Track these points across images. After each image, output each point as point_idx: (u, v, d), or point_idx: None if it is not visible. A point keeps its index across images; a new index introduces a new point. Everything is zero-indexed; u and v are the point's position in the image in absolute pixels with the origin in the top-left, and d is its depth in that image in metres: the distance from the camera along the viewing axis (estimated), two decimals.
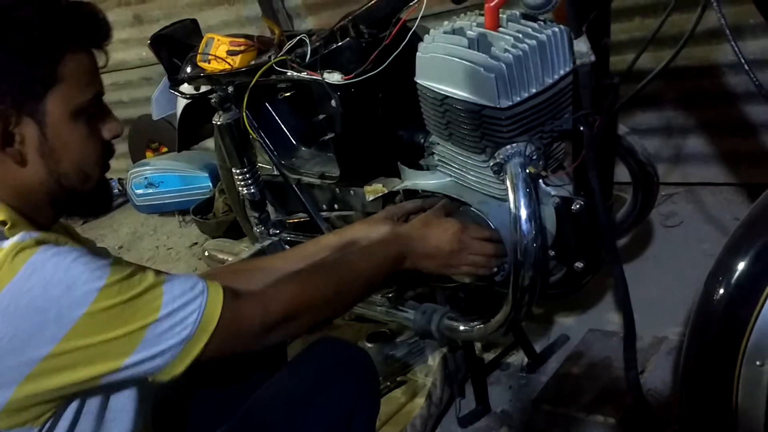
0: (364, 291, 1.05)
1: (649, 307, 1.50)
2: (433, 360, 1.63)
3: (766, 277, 0.86)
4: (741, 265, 0.89)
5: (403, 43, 1.22)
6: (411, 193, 1.38)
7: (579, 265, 1.24)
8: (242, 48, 1.55)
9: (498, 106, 1.07)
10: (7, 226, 0.79)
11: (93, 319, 0.74)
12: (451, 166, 1.28)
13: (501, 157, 1.12)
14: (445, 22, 1.18)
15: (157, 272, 0.84)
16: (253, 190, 1.71)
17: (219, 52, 1.57)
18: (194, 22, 1.83)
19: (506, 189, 1.12)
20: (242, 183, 1.70)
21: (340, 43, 1.33)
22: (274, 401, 1.01)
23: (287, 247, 1.85)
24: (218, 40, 1.59)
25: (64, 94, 0.82)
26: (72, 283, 0.74)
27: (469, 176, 1.25)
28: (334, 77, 1.32)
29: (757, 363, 0.89)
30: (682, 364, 1.00)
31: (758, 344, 0.88)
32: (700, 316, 0.94)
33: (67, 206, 0.90)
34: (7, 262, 0.73)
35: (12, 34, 0.78)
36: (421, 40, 1.18)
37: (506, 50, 1.06)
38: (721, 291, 0.90)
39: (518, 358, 1.69)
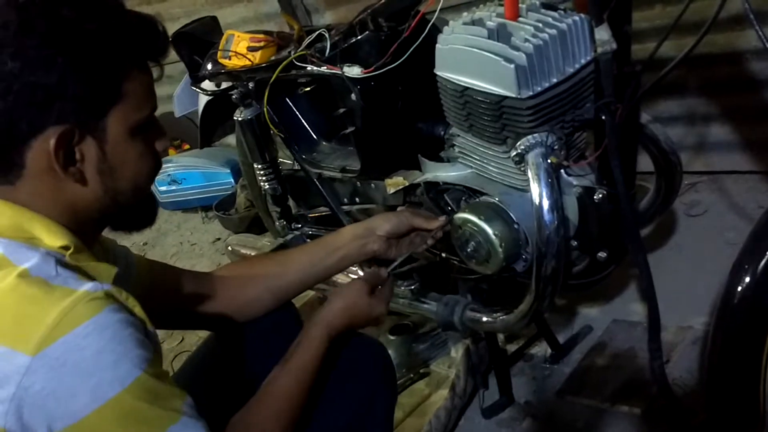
0: (309, 387, 0.98)
1: (673, 297, 1.49)
2: (456, 352, 1.64)
3: None
4: (765, 252, 0.89)
5: (423, 36, 1.22)
6: (432, 186, 1.39)
7: (602, 255, 1.23)
8: (262, 44, 1.57)
9: (519, 96, 1.07)
10: (69, 251, 0.79)
11: (119, 406, 0.72)
12: (471, 157, 1.28)
13: (522, 147, 1.12)
14: (465, 14, 1.18)
15: (182, 393, 0.81)
16: (274, 185, 1.72)
17: (239, 49, 1.58)
18: (214, 19, 1.85)
19: (528, 179, 1.12)
20: (264, 178, 1.71)
21: (359, 37, 1.34)
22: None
23: (308, 240, 1.87)
24: (238, 36, 1.61)
25: (125, 112, 0.82)
26: (119, 358, 0.73)
27: (490, 167, 1.25)
28: (353, 71, 1.33)
29: None
30: (707, 354, 1.00)
31: None
32: (725, 305, 0.94)
33: (115, 221, 0.90)
34: (74, 309, 0.72)
35: (77, 51, 0.77)
36: (440, 32, 1.18)
37: (526, 40, 1.06)
38: (747, 279, 0.90)
39: (541, 349, 1.69)
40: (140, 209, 0.92)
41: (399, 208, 1.31)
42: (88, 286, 0.75)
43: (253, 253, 1.84)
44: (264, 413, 0.92)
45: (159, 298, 1.02)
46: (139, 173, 0.87)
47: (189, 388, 0.81)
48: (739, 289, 0.91)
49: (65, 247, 0.79)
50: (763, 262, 0.89)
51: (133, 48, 0.82)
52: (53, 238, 0.79)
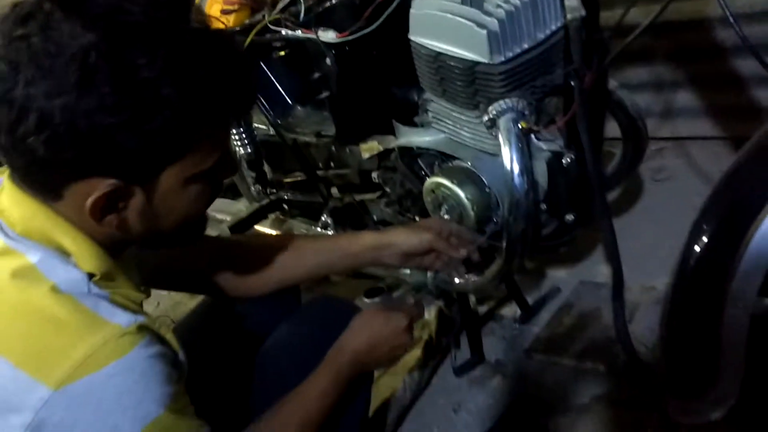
0: (321, 421, 0.95)
1: (638, 259, 1.54)
2: (430, 314, 1.68)
3: (746, 223, 0.89)
4: (723, 212, 0.93)
5: (397, 1, 1.23)
6: (405, 150, 1.41)
7: (570, 217, 1.27)
8: (236, 7, 1.56)
9: (491, 62, 1.09)
10: (96, 278, 0.74)
11: None
12: (444, 122, 1.30)
13: (494, 112, 1.14)
14: None
15: (200, 424, 0.79)
16: (249, 150, 1.72)
17: (213, 12, 1.57)
18: None
19: (499, 144, 1.15)
20: (239, 143, 1.71)
21: (334, 1, 1.34)
22: (280, 358, 1.05)
23: (285, 207, 1.89)
24: None
25: (185, 166, 0.74)
26: (143, 399, 0.71)
27: (462, 132, 1.27)
28: (328, 35, 1.33)
29: (739, 305, 0.93)
30: (665, 312, 1.04)
31: (740, 287, 0.92)
32: (683, 264, 0.98)
33: (152, 244, 0.84)
34: (104, 347, 0.69)
35: (146, 118, 0.67)
36: None
37: (498, 6, 1.07)
38: (704, 239, 0.94)
39: (511, 310, 1.74)
40: (185, 233, 0.85)
41: (426, 221, 1.25)
42: (121, 319, 0.71)
43: (228, 218, 1.85)
44: None
45: (166, 256, 1.00)
46: (189, 216, 0.81)
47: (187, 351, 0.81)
48: (696, 248, 0.94)
49: (93, 274, 0.74)
50: (718, 223, 0.93)
51: (210, 114, 0.72)
52: (85, 259, 0.75)
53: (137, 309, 0.77)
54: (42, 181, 0.72)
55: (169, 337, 0.78)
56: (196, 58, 0.69)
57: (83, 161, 0.68)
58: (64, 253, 0.74)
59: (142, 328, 0.73)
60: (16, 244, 0.73)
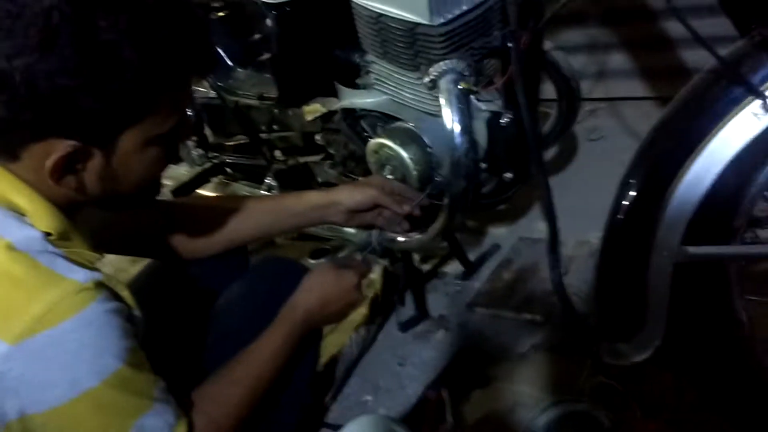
0: (274, 377, 0.97)
1: (573, 215, 1.60)
2: (375, 272, 1.72)
3: (670, 176, 0.95)
4: (649, 167, 0.99)
5: None
6: (349, 112, 1.42)
7: (508, 175, 1.32)
8: None
9: (431, 23, 1.11)
10: (53, 237, 0.74)
11: (95, 397, 0.72)
12: (386, 84, 1.32)
13: (434, 73, 1.16)
14: None
15: (155, 378, 0.80)
16: (189, 113, 1.70)
17: None
18: None
19: (440, 105, 1.18)
20: None
21: None
22: (231, 317, 1.07)
23: (228, 170, 1.88)
24: None
25: (144, 128, 0.74)
26: (101, 352, 0.72)
27: (404, 93, 1.29)
28: None
29: (664, 254, 1.00)
30: (597, 263, 1.10)
31: (664, 237, 0.98)
32: (612, 217, 1.04)
33: (107, 205, 0.84)
34: (61, 303, 0.69)
35: (107, 80, 0.67)
36: None
37: None
38: (631, 193, 1.00)
39: (454, 267, 1.79)
40: (140, 196, 0.85)
41: (369, 179, 1.27)
42: (78, 274, 0.72)
43: (170, 183, 1.83)
44: (230, 391, 0.92)
45: (114, 219, 0.99)
46: (147, 177, 0.81)
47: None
48: (624, 202, 1.00)
49: (49, 233, 0.74)
50: (644, 177, 0.99)
51: (170, 75, 0.73)
52: (41, 218, 0.74)
53: (93, 267, 0.77)
54: (0, 142, 0.71)
55: (125, 294, 0.79)
56: (157, 21, 0.70)
57: (42, 122, 0.68)
58: (19, 213, 0.74)
59: (98, 285, 0.73)
60: None
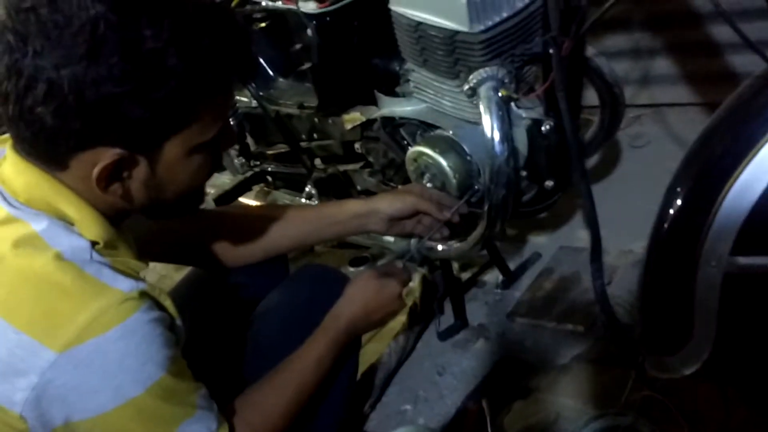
0: (316, 386, 0.98)
1: (616, 223, 1.58)
2: (414, 280, 1.71)
3: (719, 184, 0.92)
4: (696, 175, 0.96)
5: None
6: (388, 121, 1.42)
7: (549, 183, 1.30)
8: None
9: (471, 30, 1.10)
10: (99, 246, 0.75)
11: (138, 405, 0.73)
12: (426, 92, 1.32)
13: (474, 81, 1.16)
14: None
15: (197, 386, 0.82)
16: (232, 122, 1.73)
17: None
18: None
19: (480, 113, 1.17)
20: None
21: None
22: (272, 325, 1.08)
23: (269, 178, 1.90)
24: None
25: (188, 136, 0.75)
26: (145, 361, 0.73)
27: (443, 101, 1.29)
28: (309, 6, 1.33)
29: (713, 264, 0.97)
30: (642, 272, 1.08)
31: (713, 247, 0.95)
32: (658, 225, 1.01)
33: (152, 213, 0.85)
34: (107, 312, 0.71)
35: (151, 87, 0.68)
36: None
37: None
38: (678, 202, 0.97)
39: (493, 276, 1.78)
40: (184, 204, 0.86)
41: (408, 186, 1.28)
42: (123, 284, 0.73)
43: (213, 191, 1.86)
44: (273, 399, 0.93)
45: (157, 228, 1.01)
46: (192, 185, 0.82)
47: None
48: (671, 211, 0.98)
49: (96, 242, 0.76)
50: (692, 185, 0.96)
51: (213, 81, 0.74)
52: (88, 227, 0.76)
53: (137, 276, 0.79)
54: (48, 150, 0.73)
55: (168, 303, 0.80)
56: (200, 29, 0.71)
57: (90, 131, 0.69)
58: (67, 222, 0.75)
59: (142, 294, 0.75)
60: (19, 213, 0.74)
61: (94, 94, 0.66)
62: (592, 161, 1.98)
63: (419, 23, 1.17)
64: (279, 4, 1.38)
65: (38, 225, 0.74)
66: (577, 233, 1.82)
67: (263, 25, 1.59)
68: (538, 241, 1.86)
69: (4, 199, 0.75)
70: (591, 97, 1.58)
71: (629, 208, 1.75)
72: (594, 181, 1.90)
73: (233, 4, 1.44)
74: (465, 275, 1.80)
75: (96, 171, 0.72)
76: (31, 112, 0.68)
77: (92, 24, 0.65)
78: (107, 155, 0.71)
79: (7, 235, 0.73)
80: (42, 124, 0.68)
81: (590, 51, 1.44)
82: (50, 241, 0.73)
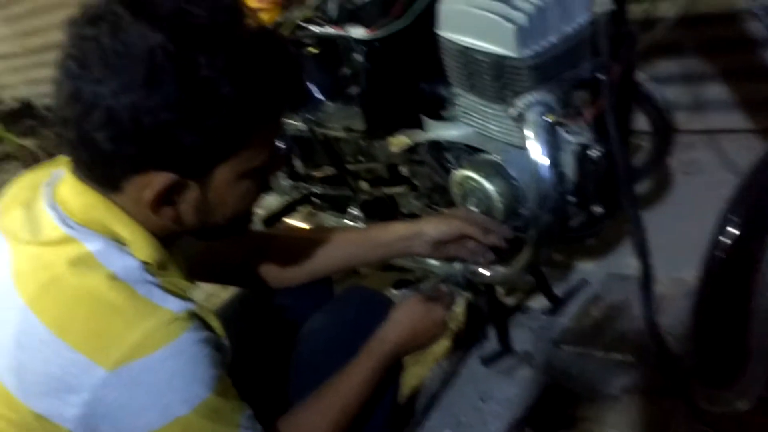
0: (360, 409, 0.98)
1: (667, 251, 1.53)
2: (458, 305, 1.70)
3: None
4: (750, 203, 0.94)
5: (431, 5, 1.24)
6: (434, 144, 1.43)
7: (598, 209, 1.28)
8: (267, 5, 1.59)
9: (519, 56, 1.11)
10: (151, 266, 0.77)
11: (184, 424, 0.75)
12: (472, 116, 1.32)
13: (521, 105, 1.15)
14: None
15: (242, 406, 0.83)
16: (281, 145, 1.76)
17: None
18: None
19: (526, 137, 1.16)
20: None
21: None
22: (316, 346, 1.09)
23: (315, 200, 1.92)
24: None
25: (239, 161, 0.77)
26: (192, 381, 0.75)
27: (490, 126, 1.29)
28: (358, 32, 1.35)
29: (767, 294, 0.94)
30: (694, 301, 1.05)
31: (767, 276, 0.92)
32: (711, 253, 0.99)
33: (201, 235, 0.86)
34: (157, 331, 0.73)
35: (205, 115, 0.70)
36: None
37: (526, 0, 1.09)
38: (732, 229, 0.95)
39: (539, 302, 1.75)
40: (233, 226, 0.87)
41: (453, 210, 1.29)
42: (172, 304, 0.75)
43: (260, 211, 1.89)
44: (316, 421, 0.93)
45: (205, 249, 1.03)
46: (241, 208, 0.84)
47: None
48: (724, 239, 0.95)
49: (148, 262, 0.78)
50: (745, 213, 0.94)
51: (266, 110, 0.76)
52: (140, 248, 0.78)
53: (186, 296, 0.80)
54: (104, 173, 0.75)
55: (215, 323, 0.81)
56: (254, 59, 0.72)
57: (144, 156, 0.72)
58: (120, 242, 0.78)
59: (191, 314, 0.76)
60: (74, 233, 0.77)
61: (150, 120, 0.69)
62: (643, 187, 1.94)
63: (467, 48, 1.18)
64: (329, 30, 1.41)
65: (93, 245, 0.76)
66: (626, 260, 1.78)
67: (312, 49, 1.62)
68: (585, 267, 1.82)
69: (61, 219, 0.78)
70: (641, 120, 1.56)
71: (681, 235, 1.70)
72: (645, 208, 1.87)
73: (287, 30, 1.47)
74: (510, 300, 1.78)
75: (148, 195, 0.74)
76: (89, 137, 0.70)
77: (150, 53, 0.67)
78: (159, 179, 0.73)
79: (63, 254, 0.75)
80: (99, 149, 0.71)
81: (641, 76, 1.42)
82: (104, 262, 0.75)
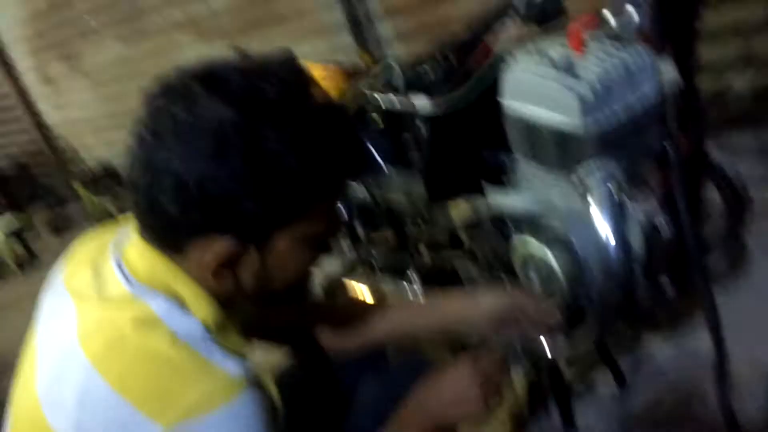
0: None
1: (741, 329, 1.46)
2: (518, 377, 1.64)
3: None
4: None
5: (495, 76, 1.25)
6: (498, 221, 1.41)
7: (666, 284, 1.23)
8: (332, 74, 1.64)
9: (583, 126, 1.09)
10: (210, 328, 0.79)
11: None
12: (534, 183, 1.30)
13: (585, 174, 1.14)
14: (530, 44, 1.21)
15: None
16: (340, 207, 1.78)
17: None
18: (288, 50, 1.93)
19: (590, 206, 1.14)
20: None
21: (427, 69, 1.39)
22: (366, 423, 1.05)
23: (373, 262, 1.92)
24: (310, 66, 1.69)
25: (297, 230, 0.78)
26: None
27: (552, 194, 1.27)
28: (422, 102, 1.37)
29: None
30: None
31: None
32: None
33: (259, 301, 0.87)
34: (214, 392, 0.73)
35: (268, 186, 0.72)
36: (505, 61, 1.22)
37: (591, 72, 1.08)
38: None
39: (604, 377, 1.67)
40: (291, 292, 0.87)
41: (513, 291, 1.22)
42: (231, 365, 0.76)
43: (319, 273, 1.90)
44: None
45: (265, 314, 1.04)
46: (299, 275, 0.84)
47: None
48: None
49: (208, 323, 0.79)
50: None
51: (329, 180, 0.78)
52: (201, 309, 0.80)
53: (244, 357, 0.81)
54: (169, 237, 0.78)
55: (271, 387, 0.82)
56: (318, 133, 0.75)
57: (207, 222, 0.74)
58: (182, 303, 0.79)
59: (248, 376, 0.77)
60: (138, 292, 0.79)
61: (216, 190, 0.71)
62: (715, 261, 1.86)
63: (530, 117, 1.18)
64: (394, 100, 1.43)
65: (156, 305, 0.78)
66: (697, 336, 1.69)
67: (376, 117, 1.65)
68: (654, 342, 1.74)
69: (125, 277, 0.80)
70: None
71: (757, 313, 1.62)
72: (715, 281, 1.77)
73: (352, 99, 1.51)
74: (573, 376, 1.71)
75: (209, 259, 0.76)
76: (158, 202, 0.73)
77: (220, 126, 0.70)
78: (220, 244, 0.75)
79: (127, 313, 0.77)
80: (166, 214, 0.74)
81: (713, 150, 1.38)
82: (166, 322, 0.77)
